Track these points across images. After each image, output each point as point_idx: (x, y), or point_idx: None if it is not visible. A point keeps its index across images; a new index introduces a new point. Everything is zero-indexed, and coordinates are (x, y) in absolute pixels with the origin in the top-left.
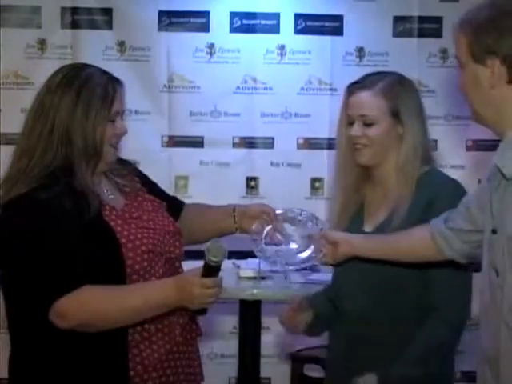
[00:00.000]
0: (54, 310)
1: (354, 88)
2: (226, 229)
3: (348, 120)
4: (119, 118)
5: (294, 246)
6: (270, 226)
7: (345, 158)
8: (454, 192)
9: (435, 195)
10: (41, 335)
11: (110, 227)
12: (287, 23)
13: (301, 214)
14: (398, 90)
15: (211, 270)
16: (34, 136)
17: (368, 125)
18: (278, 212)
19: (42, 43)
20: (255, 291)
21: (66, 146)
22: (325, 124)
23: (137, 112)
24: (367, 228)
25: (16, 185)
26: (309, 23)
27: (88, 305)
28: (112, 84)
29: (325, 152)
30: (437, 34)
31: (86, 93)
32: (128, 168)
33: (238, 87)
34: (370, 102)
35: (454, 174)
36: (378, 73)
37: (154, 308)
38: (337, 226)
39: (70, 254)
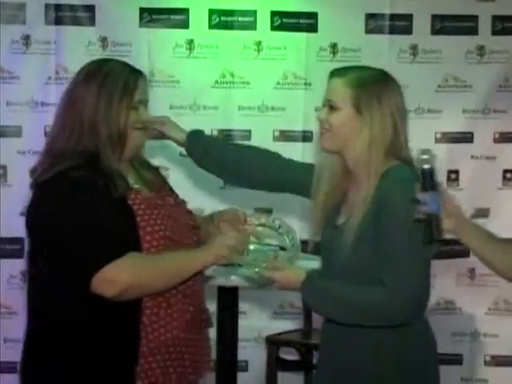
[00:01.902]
0: (102, 276)
1: (331, 74)
2: (208, 234)
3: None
4: (142, 107)
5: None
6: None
7: (317, 144)
8: (404, 191)
9: (384, 194)
10: (67, 312)
11: (131, 210)
12: (264, 20)
13: (280, 227)
14: (368, 84)
15: (424, 178)
16: (67, 128)
17: (332, 110)
18: (254, 219)
19: (26, 39)
20: (232, 278)
21: (93, 135)
22: (300, 117)
23: None
24: (339, 221)
25: (52, 167)
26: (284, 20)
27: (136, 267)
28: (133, 75)
29: (299, 144)
30: (407, 30)
31: (108, 84)
32: (154, 166)
33: (217, 82)
34: (336, 88)
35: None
36: (364, 66)
37: (190, 267)
38: (316, 217)
39: (111, 225)
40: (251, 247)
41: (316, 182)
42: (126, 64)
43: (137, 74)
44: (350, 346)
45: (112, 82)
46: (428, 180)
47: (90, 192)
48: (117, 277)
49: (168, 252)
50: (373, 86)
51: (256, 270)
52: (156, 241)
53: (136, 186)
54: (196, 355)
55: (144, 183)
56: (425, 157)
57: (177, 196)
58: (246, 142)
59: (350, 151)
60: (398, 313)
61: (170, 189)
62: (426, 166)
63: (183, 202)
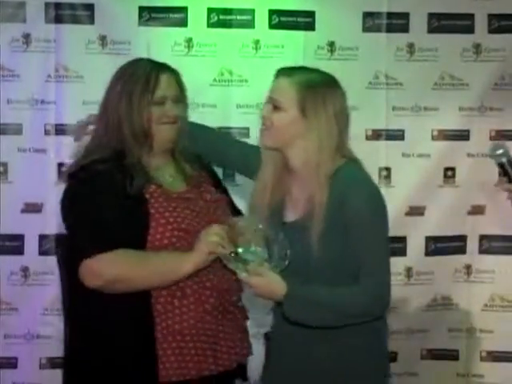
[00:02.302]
0: (88, 267)
1: (278, 72)
2: None
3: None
4: (169, 102)
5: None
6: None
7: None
8: (363, 195)
9: (345, 196)
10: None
11: (145, 201)
12: (262, 19)
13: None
14: (314, 88)
15: (507, 170)
16: (100, 127)
17: (275, 109)
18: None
19: (26, 37)
20: None
21: (119, 132)
22: None
23: None
24: (288, 218)
25: (79, 161)
26: (282, 19)
27: (117, 265)
28: (156, 72)
29: None
30: (404, 29)
31: (129, 84)
32: (199, 161)
33: (215, 80)
34: (283, 88)
35: (420, 162)
36: (311, 68)
37: (178, 270)
38: (263, 213)
39: (111, 219)
40: (240, 249)
41: (260, 176)
42: (152, 61)
43: (161, 70)
44: (330, 347)
45: (133, 81)
46: (507, 172)
47: (100, 185)
48: (101, 269)
49: (161, 252)
50: (319, 90)
51: (240, 272)
52: (169, 232)
53: (170, 179)
54: (219, 346)
55: (182, 177)
56: (500, 151)
57: (223, 193)
58: (245, 140)
59: (294, 151)
60: (382, 307)
61: (218, 186)
62: (505, 159)
63: (223, 198)
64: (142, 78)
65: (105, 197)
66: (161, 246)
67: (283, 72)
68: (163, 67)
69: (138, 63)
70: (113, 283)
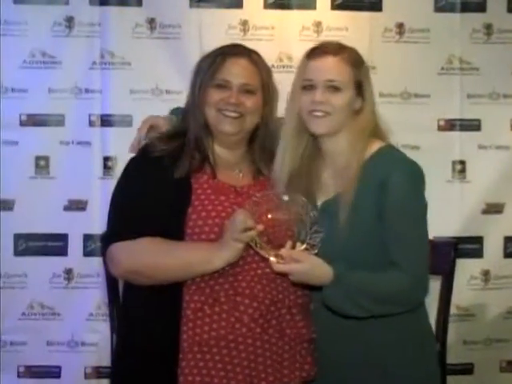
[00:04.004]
0: (108, 254)
1: (318, 52)
2: None
3: (306, 85)
4: (233, 87)
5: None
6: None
7: (295, 128)
8: (407, 174)
9: (387, 176)
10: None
11: (190, 191)
12: None
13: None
14: (361, 62)
15: None
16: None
17: (334, 91)
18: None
19: (69, 21)
20: None
21: (187, 117)
22: None
23: (168, 91)
24: (318, 202)
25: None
26: None
27: (138, 255)
28: (223, 55)
29: None
30: (481, 8)
31: (198, 65)
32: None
33: (273, 65)
34: (339, 67)
35: (498, 155)
36: (340, 43)
37: (194, 266)
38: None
39: (143, 207)
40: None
41: (288, 162)
42: (230, 45)
43: (230, 54)
44: (382, 336)
45: (203, 61)
46: None
47: (143, 170)
48: (121, 259)
49: (191, 243)
50: (364, 66)
51: (271, 258)
52: (208, 226)
53: (235, 172)
54: (253, 363)
55: (253, 175)
56: None
57: None
58: None
59: (340, 136)
60: (423, 293)
61: None
62: None
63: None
64: (210, 59)
65: (143, 183)
66: (199, 239)
67: (324, 51)
68: (239, 52)
69: (217, 48)
70: (133, 273)
